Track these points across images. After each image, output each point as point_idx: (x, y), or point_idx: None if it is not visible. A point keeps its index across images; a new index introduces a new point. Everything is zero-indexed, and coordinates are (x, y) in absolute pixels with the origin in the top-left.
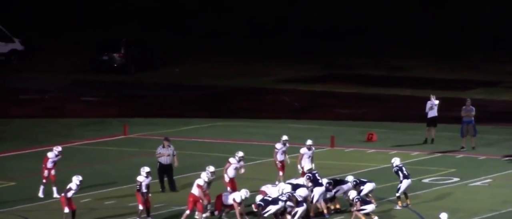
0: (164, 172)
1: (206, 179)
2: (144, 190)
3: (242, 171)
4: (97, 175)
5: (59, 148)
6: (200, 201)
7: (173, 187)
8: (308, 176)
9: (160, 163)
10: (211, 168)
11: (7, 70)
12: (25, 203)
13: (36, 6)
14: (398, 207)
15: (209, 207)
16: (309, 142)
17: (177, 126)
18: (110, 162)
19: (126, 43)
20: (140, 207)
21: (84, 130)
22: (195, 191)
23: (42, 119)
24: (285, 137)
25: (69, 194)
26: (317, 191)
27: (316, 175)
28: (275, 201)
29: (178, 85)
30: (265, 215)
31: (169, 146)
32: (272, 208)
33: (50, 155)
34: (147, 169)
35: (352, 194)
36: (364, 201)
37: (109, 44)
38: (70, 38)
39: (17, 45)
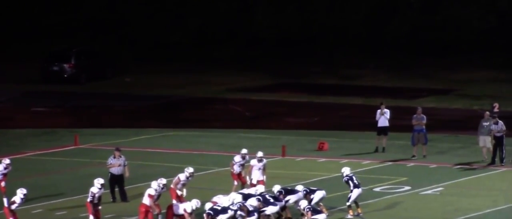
0: (115, 182)
1: (157, 188)
2: (96, 201)
3: (184, 193)
4: (48, 185)
5: (7, 160)
6: (151, 210)
7: (124, 198)
8: (258, 198)
9: (112, 174)
10: (163, 180)
11: None
12: None
13: None
14: (349, 216)
15: (160, 217)
16: (259, 154)
17: (128, 136)
18: (61, 172)
19: (77, 53)
20: (91, 217)
21: (35, 140)
22: (146, 201)
23: None
24: (244, 150)
25: (13, 207)
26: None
27: (266, 196)
28: (224, 210)
29: (129, 95)
30: None
31: (120, 156)
32: (222, 217)
33: None
34: (101, 180)
35: (303, 203)
36: (315, 210)
37: (59, 55)
38: (19, 49)
39: None
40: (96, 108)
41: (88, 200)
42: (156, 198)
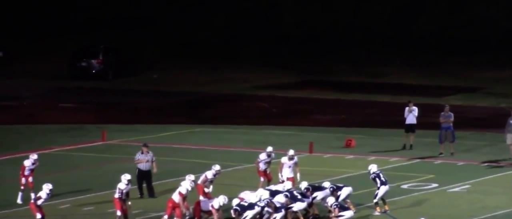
0: (143, 178)
1: (189, 189)
2: (124, 197)
3: (210, 189)
4: (75, 181)
5: (35, 156)
6: (180, 209)
7: (151, 194)
8: (286, 195)
9: (139, 169)
10: (192, 177)
11: None
12: (2, 210)
13: (13, 13)
14: (376, 213)
15: (187, 213)
16: (291, 152)
17: (155, 132)
18: (88, 168)
19: (104, 49)
20: (119, 213)
21: (62, 136)
22: (175, 197)
23: (20, 125)
24: (270, 148)
25: (39, 202)
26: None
27: (294, 192)
28: (251, 206)
29: (156, 92)
30: None
31: (148, 152)
32: (249, 214)
33: (26, 162)
34: (128, 176)
35: (330, 200)
36: (342, 207)
37: (87, 51)
38: (48, 45)
39: None
40: (123, 105)
41: (116, 196)
42: (185, 196)
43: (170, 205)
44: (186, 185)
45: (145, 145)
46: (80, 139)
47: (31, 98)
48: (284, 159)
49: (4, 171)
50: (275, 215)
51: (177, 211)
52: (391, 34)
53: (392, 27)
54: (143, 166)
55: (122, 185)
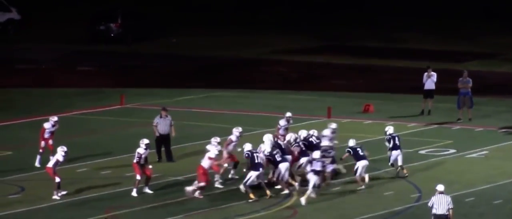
0: (161, 142)
1: (217, 152)
2: (142, 162)
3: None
4: (93, 144)
5: (55, 118)
6: (219, 166)
7: (170, 157)
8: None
9: (159, 133)
10: (217, 139)
11: (4, 40)
12: (21, 172)
13: None
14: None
15: (227, 165)
16: (288, 114)
17: (174, 96)
18: (107, 132)
19: (123, 13)
20: (138, 177)
21: (80, 99)
22: (205, 163)
23: (39, 89)
24: (288, 113)
25: (52, 164)
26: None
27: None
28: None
29: (174, 56)
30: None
31: (167, 116)
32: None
33: (46, 125)
34: (146, 141)
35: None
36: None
37: (106, 15)
38: (66, 10)
39: (14, 14)
40: (141, 69)
41: (135, 160)
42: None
43: (201, 172)
44: (213, 148)
45: (164, 109)
46: (98, 103)
47: (49, 62)
48: (282, 122)
49: (23, 133)
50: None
51: (215, 167)
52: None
53: None
54: (162, 129)
55: (140, 150)
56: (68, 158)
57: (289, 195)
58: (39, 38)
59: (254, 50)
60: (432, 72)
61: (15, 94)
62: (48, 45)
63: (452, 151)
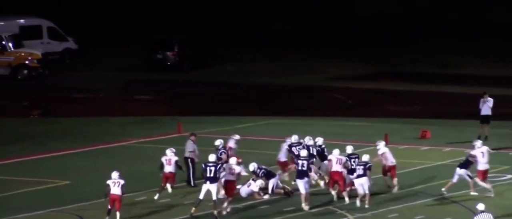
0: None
1: (234, 146)
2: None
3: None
4: (151, 173)
5: (237, 136)
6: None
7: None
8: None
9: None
10: (237, 136)
11: (61, 69)
12: (78, 202)
13: (89, 6)
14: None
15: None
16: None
17: (231, 123)
18: None
19: (179, 41)
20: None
21: (137, 128)
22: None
23: (96, 117)
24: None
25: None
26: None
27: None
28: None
29: (231, 83)
30: None
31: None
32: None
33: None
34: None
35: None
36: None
37: (163, 43)
38: (122, 37)
39: (71, 44)
40: (198, 96)
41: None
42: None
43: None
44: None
45: (193, 134)
46: (155, 131)
47: (106, 91)
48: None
49: (81, 163)
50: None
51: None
52: (466, 24)
53: (467, 16)
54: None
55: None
56: (126, 187)
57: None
58: (96, 67)
59: (309, 76)
60: (488, 98)
61: (72, 123)
62: (105, 74)
63: (509, 176)
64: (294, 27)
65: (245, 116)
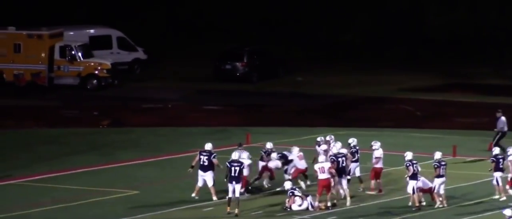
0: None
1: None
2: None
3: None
4: (220, 183)
5: (270, 145)
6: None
7: None
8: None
9: None
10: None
11: (130, 79)
12: (148, 212)
13: (160, 17)
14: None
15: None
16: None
17: (300, 134)
18: None
19: (249, 52)
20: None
21: (207, 138)
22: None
23: (165, 128)
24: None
25: None
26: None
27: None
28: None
29: (300, 94)
30: None
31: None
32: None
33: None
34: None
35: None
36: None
37: (232, 54)
38: (193, 48)
39: (140, 54)
40: (267, 107)
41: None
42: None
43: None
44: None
45: (240, 144)
46: (224, 142)
47: (176, 101)
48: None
49: (150, 173)
50: None
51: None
52: None
53: None
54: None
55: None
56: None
57: None
58: (165, 77)
59: (380, 88)
60: None
61: (142, 133)
62: (174, 84)
63: None
64: (364, 38)
65: (313, 127)
